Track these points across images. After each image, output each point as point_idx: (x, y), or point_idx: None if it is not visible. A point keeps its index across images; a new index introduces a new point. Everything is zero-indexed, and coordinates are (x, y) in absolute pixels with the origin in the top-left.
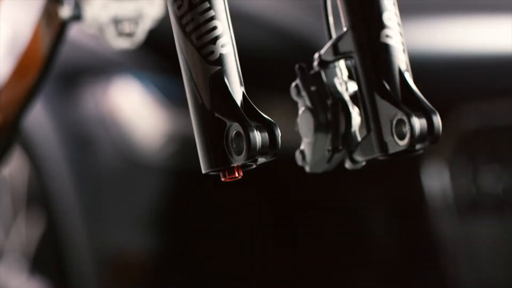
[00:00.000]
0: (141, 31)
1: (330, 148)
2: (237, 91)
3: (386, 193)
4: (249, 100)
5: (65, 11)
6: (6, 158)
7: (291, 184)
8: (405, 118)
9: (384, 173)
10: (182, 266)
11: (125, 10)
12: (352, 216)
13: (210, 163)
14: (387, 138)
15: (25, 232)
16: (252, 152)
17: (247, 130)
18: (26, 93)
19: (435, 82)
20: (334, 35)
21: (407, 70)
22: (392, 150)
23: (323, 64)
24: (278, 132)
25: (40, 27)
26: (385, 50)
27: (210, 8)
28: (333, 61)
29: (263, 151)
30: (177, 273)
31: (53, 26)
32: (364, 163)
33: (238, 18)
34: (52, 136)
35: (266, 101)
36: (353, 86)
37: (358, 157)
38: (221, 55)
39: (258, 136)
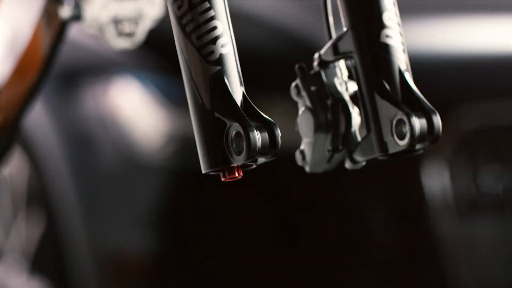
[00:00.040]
0: (141, 31)
1: (330, 148)
2: (237, 91)
3: (386, 193)
4: (249, 100)
5: (65, 11)
6: (6, 158)
7: (291, 184)
8: (405, 118)
9: (384, 173)
10: (182, 266)
11: (125, 10)
12: (352, 216)
13: (210, 163)
14: (387, 138)
15: (25, 232)
16: (252, 152)
17: (247, 130)
18: (26, 93)
19: (435, 82)
20: (334, 35)
21: (407, 70)
22: (392, 150)
23: (323, 64)
24: (278, 132)
25: (40, 27)
26: (385, 50)
27: (210, 8)
28: (333, 61)
29: (263, 151)
30: (177, 273)
31: (53, 26)
32: (364, 163)
33: (238, 18)
34: (52, 136)
35: (266, 101)
36: (353, 86)
37: (358, 157)
38: (221, 55)
39: (258, 136)
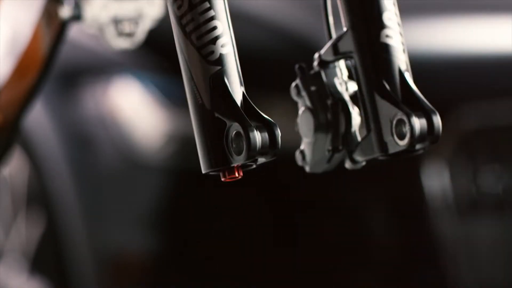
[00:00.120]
0: (141, 31)
1: (330, 148)
2: (237, 91)
3: (386, 193)
4: (249, 100)
5: (65, 11)
6: (6, 158)
7: (291, 184)
8: (405, 118)
9: (384, 173)
10: (182, 266)
11: (125, 10)
12: (352, 216)
13: (210, 163)
14: (387, 138)
15: (25, 232)
16: (252, 152)
17: (247, 130)
18: (26, 93)
19: (435, 82)
20: (334, 35)
21: (407, 70)
22: (392, 150)
23: (323, 64)
24: (278, 132)
25: (40, 27)
26: (385, 50)
27: (210, 8)
28: (333, 61)
29: (263, 151)
30: (177, 273)
31: (53, 26)
32: (364, 163)
33: (238, 18)
34: (52, 136)
35: (266, 101)
36: (353, 86)
37: (358, 157)
38: (221, 55)
39: (258, 136)
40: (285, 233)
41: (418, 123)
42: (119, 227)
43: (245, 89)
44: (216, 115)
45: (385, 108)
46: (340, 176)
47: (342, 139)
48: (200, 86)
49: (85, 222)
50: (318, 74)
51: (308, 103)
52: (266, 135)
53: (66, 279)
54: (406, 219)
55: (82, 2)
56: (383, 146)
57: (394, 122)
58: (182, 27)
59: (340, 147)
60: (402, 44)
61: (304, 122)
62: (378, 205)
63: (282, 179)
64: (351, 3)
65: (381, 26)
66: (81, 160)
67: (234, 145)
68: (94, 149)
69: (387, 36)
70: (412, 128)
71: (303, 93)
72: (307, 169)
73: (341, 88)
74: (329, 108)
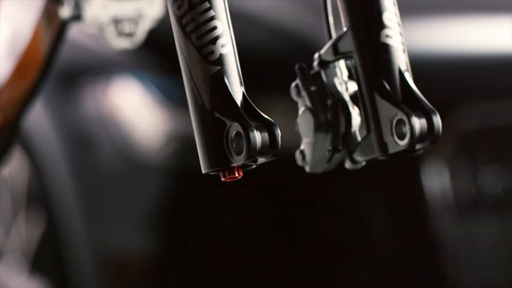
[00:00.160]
0: (141, 31)
1: (330, 148)
2: (237, 91)
3: (386, 193)
4: (249, 100)
5: (65, 11)
6: (6, 158)
7: (291, 184)
8: (405, 118)
9: (384, 173)
10: (182, 266)
11: (125, 10)
12: (352, 216)
13: (210, 163)
14: (387, 138)
15: (25, 232)
16: (252, 152)
17: (247, 130)
18: (26, 93)
19: (435, 82)
20: (334, 35)
21: (407, 70)
22: (392, 150)
23: (323, 64)
24: (278, 132)
25: (40, 27)
26: (385, 50)
27: (210, 8)
28: (333, 61)
29: (263, 151)
30: (177, 273)
31: (53, 26)
32: (364, 163)
33: (238, 18)
34: (52, 136)
35: (266, 101)
36: (353, 86)
37: (358, 157)
38: (221, 55)
39: (258, 136)
40: (285, 233)
41: (418, 123)
42: (119, 227)
43: (245, 89)
44: (216, 115)
45: (385, 108)
46: (340, 176)
47: (342, 139)
48: (200, 86)
49: (85, 222)
50: (318, 74)
51: (308, 103)
52: (266, 135)
53: (66, 279)
54: (406, 219)
55: (82, 2)
56: (383, 146)
57: (394, 122)
58: (182, 27)
59: (340, 147)
60: (402, 44)
61: (304, 122)
62: (378, 205)
63: (282, 179)
64: (351, 3)
65: (381, 26)
66: (81, 160)
67: (234, 145)
68: (94, 149)
69: (387, 36)
70: (412, 128)
71: (303, 93)
72: (307, 169)
73: (341, 88)
74: (329, 108)
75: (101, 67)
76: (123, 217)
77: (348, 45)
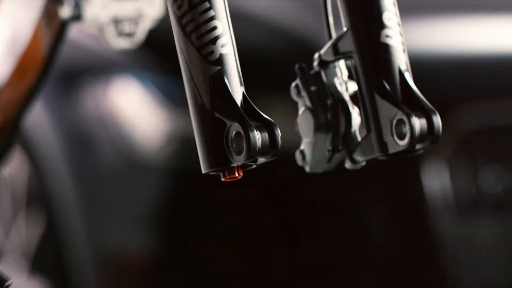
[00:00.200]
0: (141, 31)
1: (330, 148)
2: (237, 91)
3: (386, 193)
4: (249, 100)
5: (65, 11)
6: (6, 158)
7: (291, 184)
8: (405, 118)
9: (384, 173)
10: (182, 266)
11: (125, 10)
12: (352, 216)
13: (210, 163)
14: (387, 138)
15: (25, 232)
16: (252, 152)
17: (247, 130)
18: (26, 93)
19: (435, 82)
20: (334, 35)
21: (407, 70)
22: (392, 150)
23: (323, 64)
24: (278, 132)
25: (40, 27)
26: (385, 50)
27: (210, 8)
28: (333, 61)
29: (263, 151)
30: (177, 273)
31: (53, 26)
32: (364, 163)
33: (238, 18)
34: (52, 136)
35: (266, 101)
36: (353, 86)
37: (358, 157)
38: (221, 55)
39: (258, 136)
40: (285, 233)
41: (418, 123)
42: (119, 227)
43: (245, 89)
44: (216, 115)
45: (385, 108)
46: (340, 176)
47: (342, 139)
48: (200, 86)
49: (85, 222)
50: (318, 74)
51: (308, 103)
52: (266, 135)
53: (66, 279)
54: (406, 219)
55: (82, 2)
56: (383, 146)
57: (394, 122)
58: (182, 27)
59: (340, 147)
60: (402, 44)
61: (304, 122)
62: (378, 205)
63: (282, 179)
64: (351, 3)
65: (381, 26)
66: (81, 160)
67: (234, 145)
68: (94, 149)
69: (387, 36)
70: (412, 128)
71: (303, 93)
72: (307, 169)
73: (341, 88)
74: (329, 108)
75: (101, 67)
76: (123, 217)
77: (348, 45)
